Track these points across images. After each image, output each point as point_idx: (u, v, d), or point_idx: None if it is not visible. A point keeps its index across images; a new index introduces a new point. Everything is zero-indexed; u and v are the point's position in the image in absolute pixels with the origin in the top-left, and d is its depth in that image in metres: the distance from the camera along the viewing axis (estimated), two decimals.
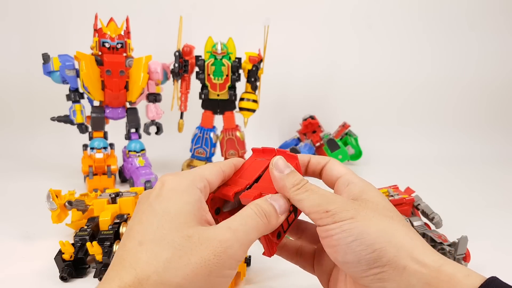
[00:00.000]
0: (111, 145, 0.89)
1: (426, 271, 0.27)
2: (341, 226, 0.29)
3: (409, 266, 0.27)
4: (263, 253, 0.33)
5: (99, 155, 0.82)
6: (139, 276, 0.25)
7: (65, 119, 0.84)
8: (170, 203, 0.28)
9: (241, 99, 0.90)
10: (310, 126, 1.12)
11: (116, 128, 0.90)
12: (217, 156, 0.94)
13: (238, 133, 0.91)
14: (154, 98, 0.87)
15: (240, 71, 0.88)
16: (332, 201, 0.30)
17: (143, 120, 0.89)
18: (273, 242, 0.33)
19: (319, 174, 0.37)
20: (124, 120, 0.88)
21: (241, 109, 0.90)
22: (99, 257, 0.48)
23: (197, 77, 0.88)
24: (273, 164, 0.32)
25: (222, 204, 0.35)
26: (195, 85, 0.90)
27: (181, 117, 0.91)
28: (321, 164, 0.36)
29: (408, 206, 0.58)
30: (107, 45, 0.79)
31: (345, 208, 0.29)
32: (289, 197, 0.32)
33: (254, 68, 0.87)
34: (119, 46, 0.80)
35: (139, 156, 0.86)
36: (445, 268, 0.27)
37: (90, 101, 0.85)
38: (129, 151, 0.86)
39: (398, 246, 0.28)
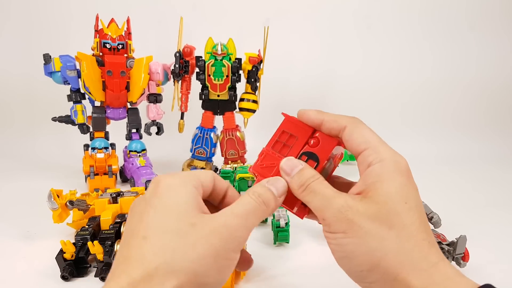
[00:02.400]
0: (112, 145, 0.89)
1: None
2: (335, 239, 0.29)
3: (395, 286, 0.28)
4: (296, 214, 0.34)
5: (100, 155, 0.82)
6: (147, 269, 0.25)
7: (67, 120, 0.84)
8: (168, 198, 0.29)
9: (241, 99, 0.90)
10: None
11: (117, 128, 0.91)
12: (217, 156, 0.94)
13: (238, 133, 0.91)
14: (154, 98, 0.87)
15: (240, 71, 0.88)
16: (328, 207, 0.29)
17: (144, 120, 0.89)
18: (302, 206, 0.34)
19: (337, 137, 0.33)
20: (125, 120, 0.88)
21: (241, 109, 0.90)
22: (100, 256, 0.48)
23: (197, 78, 0.88)
24: (281, 168, 0.32)
25: None
26: (196, 86, 0.90)
27: (182, 117, 0.91)
28: (336, 130, 0.32)
29: None
30: (108, 46, 0.80)
31: (339, 219, 0.29)
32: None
33: (254, 69, 0.87)
34: (120, 46, 0.80)
35: (140, 156, 0.86)
36: None
37: (91, 101, 0.85)
38: (130, 151, 0.87)
39: (385, 268, 0.28)
